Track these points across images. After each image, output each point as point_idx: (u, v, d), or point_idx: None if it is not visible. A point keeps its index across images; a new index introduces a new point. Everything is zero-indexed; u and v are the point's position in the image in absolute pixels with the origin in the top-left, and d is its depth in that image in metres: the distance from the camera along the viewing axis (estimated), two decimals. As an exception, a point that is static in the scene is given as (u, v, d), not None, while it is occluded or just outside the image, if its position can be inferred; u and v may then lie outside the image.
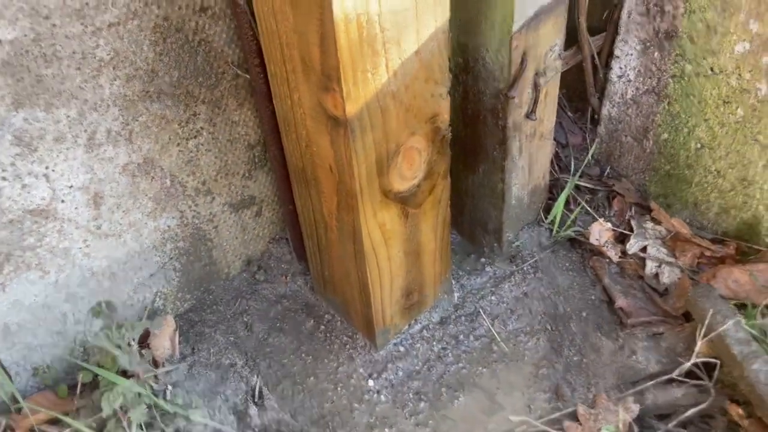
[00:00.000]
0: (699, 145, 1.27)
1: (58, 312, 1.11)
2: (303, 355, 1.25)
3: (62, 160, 0.98)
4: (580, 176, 1.45)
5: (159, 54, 1.00)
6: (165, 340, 1.20)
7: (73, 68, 0.93)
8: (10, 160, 0.93)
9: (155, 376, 1.14)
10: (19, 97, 0.90)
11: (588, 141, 1.50)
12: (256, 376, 1.21)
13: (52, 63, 0.90)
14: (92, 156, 1.01)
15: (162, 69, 1.02)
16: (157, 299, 1.24)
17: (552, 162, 1.44)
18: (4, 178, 0.94)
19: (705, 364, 1.11)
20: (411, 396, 1.18)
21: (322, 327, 1.29)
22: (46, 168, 0.97)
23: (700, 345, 1.09)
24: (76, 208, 1.04)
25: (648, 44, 1.26)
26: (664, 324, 1.22)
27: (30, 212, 0.99)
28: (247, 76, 1.12)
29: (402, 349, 1.25)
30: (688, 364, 1.09)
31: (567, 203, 1.42)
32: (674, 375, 1.10)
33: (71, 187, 1.02)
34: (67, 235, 1.05)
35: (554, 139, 1.47)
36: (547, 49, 1.13)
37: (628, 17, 1.27)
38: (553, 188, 1.44)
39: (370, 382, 1.21)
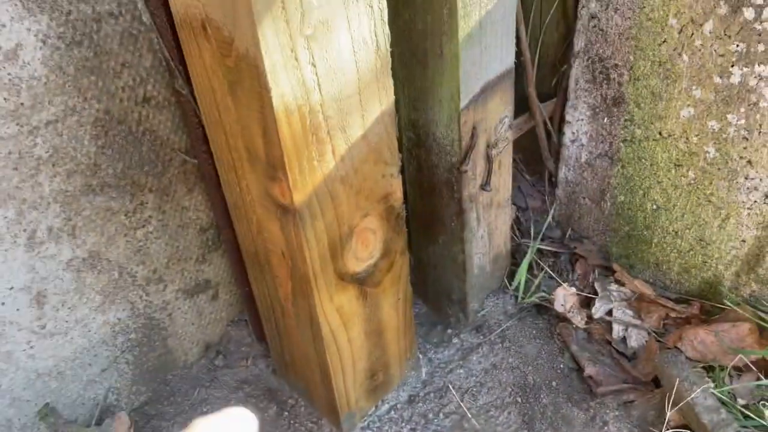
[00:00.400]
0: (655, 207, 1.27)
1: (3, 418, 1.05)
2: (266, 444, 1.19)
3: (1, 261, 0.94)
4: (542, 239, 1.44)
5: (101, 147, 0.98)
6: (118, 439, 1.13)
7: (10, 168, 0.90)
8: (-58, 266, 0.89)
9: (108, 481, 1.07)
10: (-49, 201, 0.86)
11: (548, 204, 1.50)
12: (216, 472, 1.15)
13: (-14, 165, 0.88)
14: (33, 255, 0.97)
15: (105, 161, 0.99)
16: (110, 395, 1.18)
17: (513, 227, 1.44)
18: (-64, 286, 0.89)
19: (677, 433, 1.09)
20: (380, 484, 1.13)
21: (286, 413, 1.23)
22: (-17, 271, 0.93)
23: (669, 415, 1.06)
24: (17, 309, 0.99)
25: (597, 110, 1.27)
26: (634, 391, 1.19)
27: (-33, 318, 0.95)
28: (195, 162, 1.10)
29: (369, 432, 1.20)
30: (660, 436, 1.06)
31: (530, 268, 1.41)
32: (647, 447, 1.08)
33: (11, 288, 0.97)
34: (9, 338, 1.00)
35: (514, 203, 1.47)
36: (496, 121, 1.14)
37: (576, 84, 1.29)
38: (516, 253, 1.43)
39: (337, 471, 1.15)
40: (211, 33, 0.81)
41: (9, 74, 0.85)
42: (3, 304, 0.97)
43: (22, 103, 0.87)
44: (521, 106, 1.34)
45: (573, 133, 1.35)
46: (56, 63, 0.88)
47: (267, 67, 0.76)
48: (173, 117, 1.05)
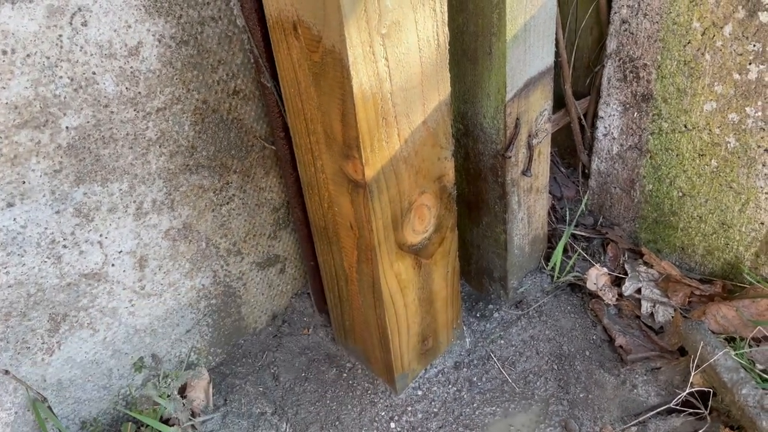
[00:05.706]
0: (681, 194, 1.40)
1: (105, 367, 1.21)
2: (328, 401, 1.34)
3: (114, 228, 1.11)
4: (576, 226, 1.58)
5: (198, 132, 1.14)
6: (200, 392, 1.29)
7: (126, 147, 1.07)
8: (70, 229, 1.06)
9: (192, 426, 1.23)
10: (80, 174, 1.03)
11: (581, 193, 1.64)
12: (285, 423, 1.30)
13: (109, 144, 1.04)
14: (139, 224, 1.14)
15: (201, 145, 1.16)
16: (192, 354, 1.34)
17: (549, 214, 1.57)
18: (65, 246, 1.06)
19: (700, 393, 1.21)
20: (431, 435, 1.27)
21: (345, 375, 1.38)
22: (100, 236, 1.10)
23: (693, 375, 1.18)
24: (124, 270, 1.16)
25: (627, 106, 1.41)
26: (661, 359, 1.31)
27: (85, 276, 1.11)
28: (273, 148, 1.26)
29: (420, 392, 1.34)
30: (683, 394, 1.18)
31: (565, 251, 1.54)
32: (672, 405, 1.20)
33: (121, 252, 1.14)
34: (116, 295, 1.17)
35: (550, 193, 1.61)
36: (537, 113, 1.28)
37: (608, 83, 1.42)
38: (552, 238, 1.57)
39: (392, 425, 1.29)
40: (301, 32, 0.97)
41: (131, 67, 1.02)
42: (113, 265, 1.14)
43: (139, 92, 1.04)
44: (558, 103, 1.48)
45: (605, 127, 1.48)
46: (168, 59, 1.05)
47: (350, 60, 0.91)
48: (257, 108, 1.21)
